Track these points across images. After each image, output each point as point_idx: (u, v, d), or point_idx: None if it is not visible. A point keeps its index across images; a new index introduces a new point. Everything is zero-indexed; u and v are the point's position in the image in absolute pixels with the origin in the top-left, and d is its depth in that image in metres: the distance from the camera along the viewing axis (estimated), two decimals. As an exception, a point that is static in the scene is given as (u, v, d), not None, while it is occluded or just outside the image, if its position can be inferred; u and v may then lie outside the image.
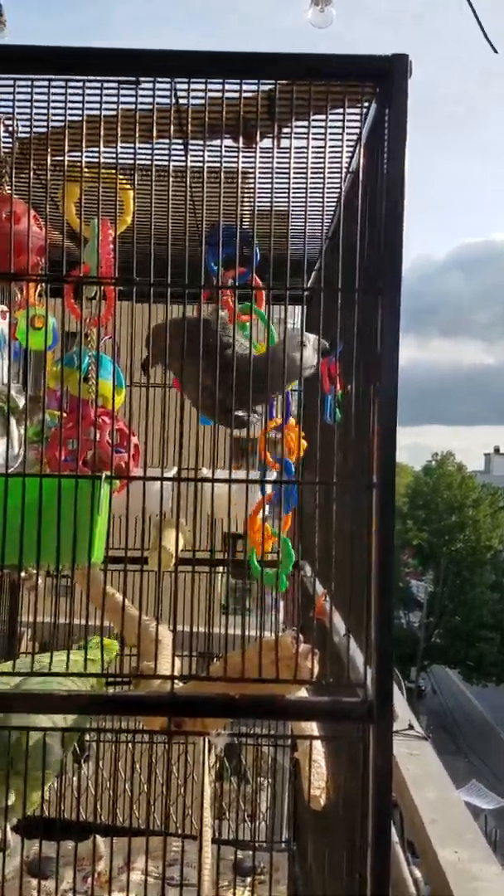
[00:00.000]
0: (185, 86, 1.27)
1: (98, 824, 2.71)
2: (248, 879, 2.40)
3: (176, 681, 1.24)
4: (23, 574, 1.73)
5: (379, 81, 1.24)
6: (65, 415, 1.67)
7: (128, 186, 1.60)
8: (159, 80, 1.26)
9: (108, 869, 2.39)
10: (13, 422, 1.51)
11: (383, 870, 1.23)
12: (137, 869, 2.37)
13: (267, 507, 1.85)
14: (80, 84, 1.28)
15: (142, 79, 1.26)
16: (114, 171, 1.50)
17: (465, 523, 30.56)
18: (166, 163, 1.50)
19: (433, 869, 1.62)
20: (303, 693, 1.36)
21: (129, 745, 2.68)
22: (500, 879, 1.58)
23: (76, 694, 1.23)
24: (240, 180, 1.36)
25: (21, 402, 1.56)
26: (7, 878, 2.26)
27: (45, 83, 1.28)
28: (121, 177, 1.56)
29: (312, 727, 1.64)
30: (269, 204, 1.44)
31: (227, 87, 1.26)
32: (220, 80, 1.25)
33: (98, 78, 1.26)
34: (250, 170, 1.37)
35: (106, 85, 1.28)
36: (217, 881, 2.07)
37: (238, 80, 1.24)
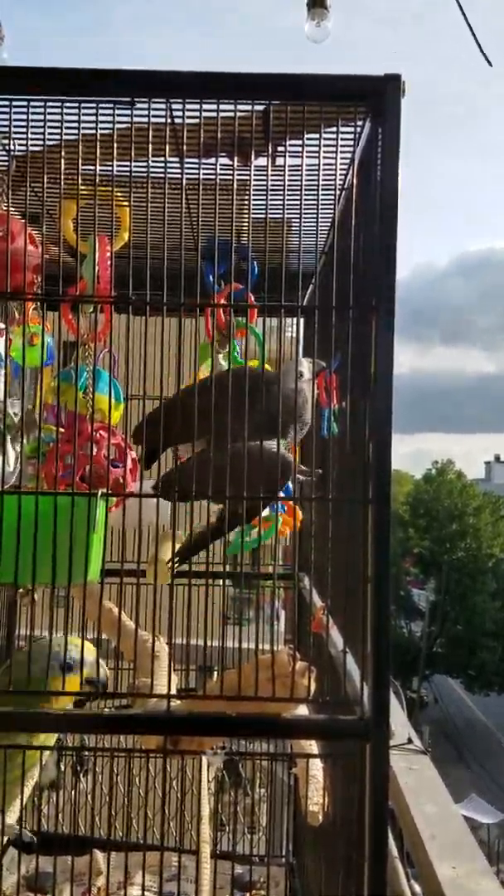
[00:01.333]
0: (181, 105, 1.28)
1: (96, 839, 2.70)
2: (247, 894, 2.39)
3: (173, 698, 1.23)
4: (20, 591, 1.73)
5: (372, 102, 1.25)
6: (62, 430, 1.67)
7: (125, 203, 1.61)
8: (154, 100, 1.27)
9: (106, 884, 2.38)
10: (8, 438, 1.51)
11: (380, 885, 1.23)
12: (136, 884, 2.36)
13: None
14: (76, 104, 1.29)
15: (136, 99, 1.27)
16: (110, 189, 1.51)
17: (466, 531, 30.50)
18: (162, 180, 1.51)
19: (431, 884, 1.61)
20: (301, 709, 1.35)
21: (128, 759, 2.67)
22: (499, 895, 1.58)
23: (72, 713, 1.23)
24: (235, 198, 1.36)
25: (17, 418, 1.56)
26: (6, 893, 2.25)
27: (41, 103, 1.29)
28: (117, 193, 1.57)
29: (311, 743, 1.64)
30: (264, 220, 1.44)
31: (222, 106, 1.27)
32: (215, 101, 1.26)
33: (93, 99, 1.27)
34: (245, 187, 1.38)
35: (101, 106, 1.29)
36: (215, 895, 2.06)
37: (233, 101, 1.25)
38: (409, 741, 2.29)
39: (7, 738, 1.23)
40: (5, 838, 1.87)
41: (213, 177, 1.40)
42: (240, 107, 1.27)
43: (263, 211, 1.45)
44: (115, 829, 2.85)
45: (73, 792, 2.93)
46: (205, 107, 1.28)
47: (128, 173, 1.52)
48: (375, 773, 1.22)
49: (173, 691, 1.27)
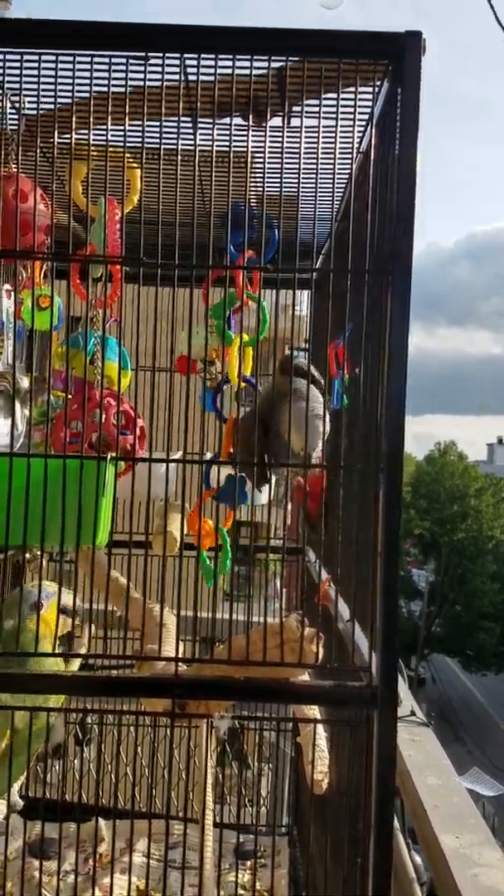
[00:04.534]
0: (195, 62, 1.25)
1: (100, 807, 2.73)
2: (249, 863, 2.41)
3: (180, 664, 1.23)
4: (27, 556, 1.73)
5: (392, 59, 1.22)
6: (69, 396, 1.65)
7: (135, 165, 1.58)
8: (169, 55, 1.24)
9: (109, 851, 2.40)
10: (17, 402, 1.50)
11: (385, 854, 1.23)
12: (138, 851, 2.38)
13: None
14: (88, 59, 1.26)
15: (151, 54, 1.24)
16: (121, 150, 1.48)
17: (468, 513, 30.55)
18: (174, 142, 1.49)
19: (434, 854, 1.62)
20: (304, 678, 1.35)
21: (132, 728, 2.68)
22: (502, 865, 1.59)
23: (81, 675, 1.22)
24: (249, 159, 1.34)
25: (25, 382, 1.55)
26: (10, 858, 2.27)
27: (53, 58, 1.26)
28: (128, 155, 1.54)
29: (315, 712, 1.64)
30: (278, 185, 1.42)
31: (237, 63, 1.24)
32: (231, 56, 1.23)
33: (106, 53, 1.24)
34: (260, 149, 1.35)
35: (114, 61, 1.26)
36: (219, 864, 2.07)
37: (249, 57, 1.22)
38: (412, 713, 2.30)
39: (13, 700, 1.24)
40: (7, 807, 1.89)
41: (226, 138, 1.37)
42: (256, 64, 1.25)
43: (278, 175, 1.42)
44: (118, 798, 2.88)
45: (74, 760, 2.96)
46: (220, 64, 1.26)
47: (138, 134, 1.50)
48: (383, 741, 1.21)
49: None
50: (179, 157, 1.34)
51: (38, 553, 1.77)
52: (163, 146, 1.45)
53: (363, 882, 1.24)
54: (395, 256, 1.20)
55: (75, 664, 1.59)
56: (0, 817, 1.71)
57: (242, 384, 1.72)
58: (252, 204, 1.62)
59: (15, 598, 1.53)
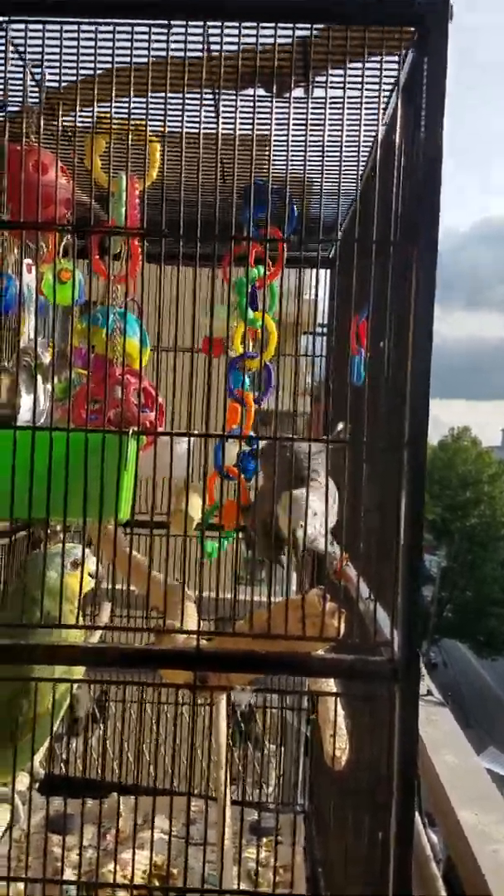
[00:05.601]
0: (218, 31, 1.24)
1: (118, 783, 2.75)
2: (265, 840, 2.42)
3: (202, 635, 1.23)
4: (48, 531, 1.73)
5: (418, 27, 1.20)
6: (86, 373, 1.65)
7: (155, 139, 1.57)
8: (191, 24, 1.23)
9: (126, 827, 2.43)
10: (39, 377, 1.50)
11: (407, 829, 1.23)
12: (156, 827, 2.40)
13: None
14: (111, 29, 1.25)
15: (173, 23, 1.22)
16: (140, 124, 1.47)
17: (481, 499, 30.44)
18: (196, 115, 1.47)
19: (453, 831, 1.62)
20: (320, 653, 1.35)
21: (148, 705, 2.70)
22: (522, 842, 1.59)
23: (102, 647, 1.23)
24: (272, 130, 1.32)
25: (46, 358, 1.55)
26: (31, 832, 2.29)
27: (75, 27, 1.25)
28: (146, 129, 1.53)
29: (332, 688, 1.64)
30: (301, 159, 1.40)
31: (260, 33, 1.23)
32: (255, 25, 1.21)
33: (128, 21, 1.23)
34: (282, 121, 1.34)
35: (136, 31, 1.25)
36: (241, 841, 2.09)
37: (273, 25, 1.21)
38: (429, 693, 2.30)
39: (36, 671, 1.24)
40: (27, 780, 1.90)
41: (249, 110, 1.35)
42: (279, 33, 1.23)
43: (300, 149, 1.41)
44: (135, 774, 2.91)
45: (91, 737, 2.98)
46: (243, 33, 1.24)
47: (161, 108, 1.48)
48: (405, 716, 1.21)
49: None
50: (201, 130, 1.32)
51: (59, 529, 1.78)
52: (185, 119, 1.44)
53: (384, 855, 1.25)
54: (420, 227, 1.19)
55: (96, 636, 1.61)
56: (23, 788, 1.73)
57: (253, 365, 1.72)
58: (272, 178, 1.60)
59: (37, 561, 1.54)
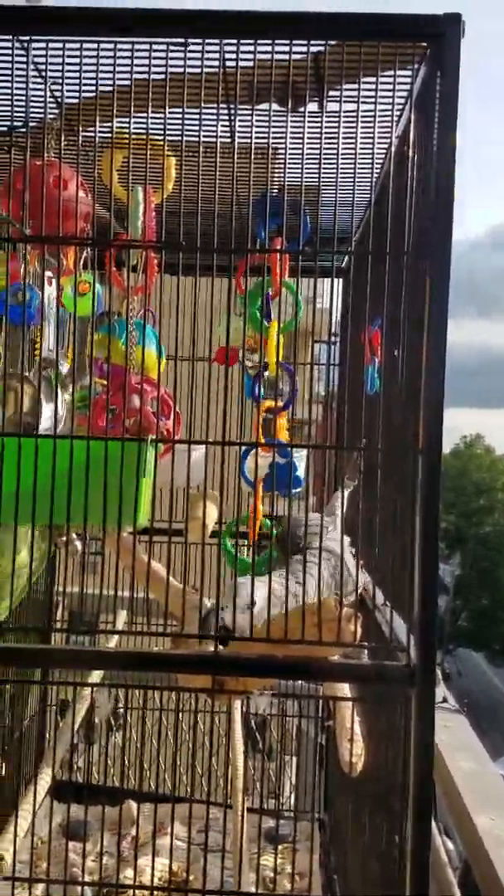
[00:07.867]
0: (234, 47, 1.26)
1: (132, 790, 2.77)
2: (280, 847, 2.43)
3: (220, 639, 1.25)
4: (63, 539, 1.76)
5: (430, 42, 1.22)
6: (105, 383, 1.68)
7: (170, 153, 1.60)
8: (208, 41, 1.26)
9: (141, 833, 2.44)
10: (59, 386, 1.53)
11: (423, 834, 1.24)
12: (169, 834, 2.41)
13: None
14: (129, 47, 1.28)
15: (190, 40, 1.25)
16: (156, 139, 1.50)
17: (494, 506, 30.30)
18: (212, 130, 1.50)
19: (469, 836, 1.63)
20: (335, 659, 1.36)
21: (163, 713, 2.72)
22: (538, 847, 1.59)
23: (122, 652, 1.24)
24: (288, 144, 1.35)
25: (65, 368, 1.58)
26: (43, 839, 2.32)
27: (94, 46, 1.28)
28: (160, 142, 1.55)
29: (347, 694, 1.65)
30: (314, 172, 1.43)
31: (275, 49, 1.25)
32: (270, 42, 1.24)
33: (146, 40, 1.26)
34: (296, 135, 1.36)
35: (154, 48, 1.28)
36: (259, 847, 2.09)
37: (288, 41, 1.23)
38: (445, 700, 2.30)
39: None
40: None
41: (264, 125, 1.38)
42: (294, 49, 1.25)
43: (314, 162, 1.43)
44: (149, 781, 2.92)
45: (106, 745, 3.00)
46: (258, 49, 1.26)
47: (177, 123, 1.51)
48: (421, 720, 1.22)
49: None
50: (219, 143, 1.35)
51: (74, 537, 1.80)
52: (201, 133, 1.46)
53: (401, 861, 1.26)
54: (434, 238, 1.21)
55: (112, 642, 1.62)
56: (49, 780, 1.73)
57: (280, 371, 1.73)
58: (286, 191, 1.63)
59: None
